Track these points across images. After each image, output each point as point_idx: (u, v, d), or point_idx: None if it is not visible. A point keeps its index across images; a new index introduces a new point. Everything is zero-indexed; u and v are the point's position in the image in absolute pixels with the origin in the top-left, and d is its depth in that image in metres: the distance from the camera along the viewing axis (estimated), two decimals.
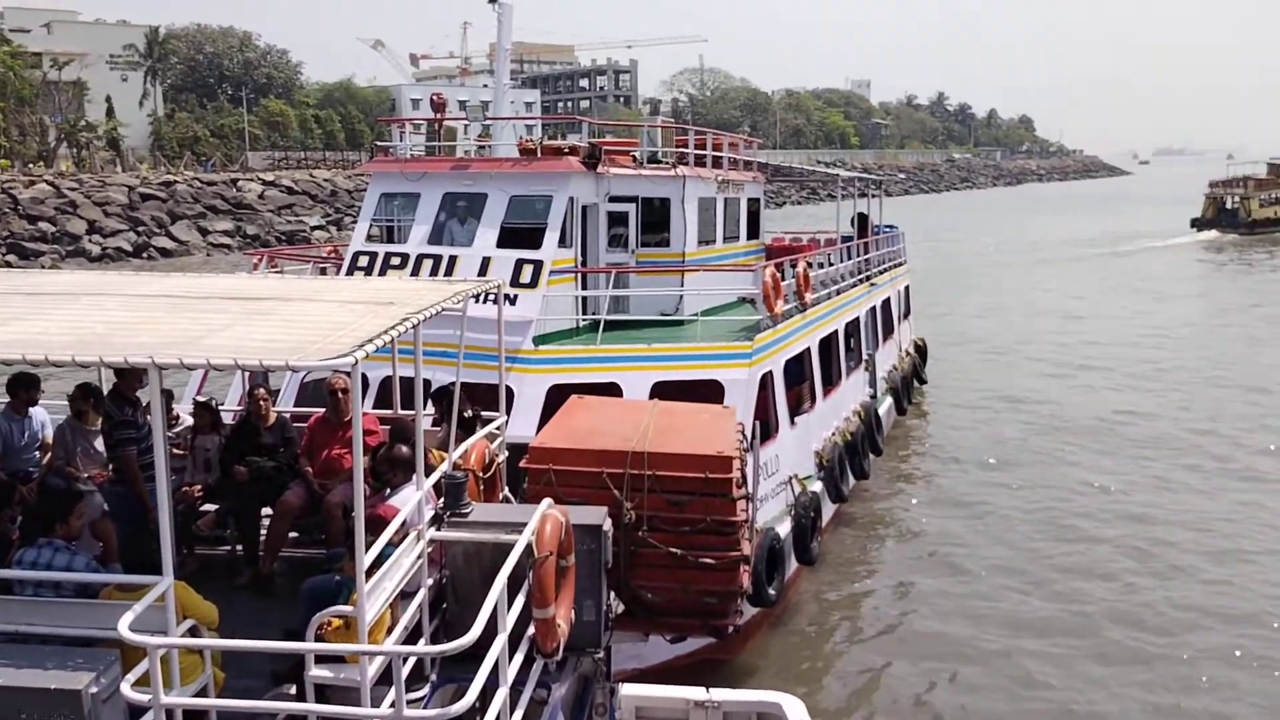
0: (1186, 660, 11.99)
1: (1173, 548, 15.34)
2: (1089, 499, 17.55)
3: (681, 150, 17.65)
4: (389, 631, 6.03)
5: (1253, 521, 16.66)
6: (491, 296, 9.33)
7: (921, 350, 25.79)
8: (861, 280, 20.31)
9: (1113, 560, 14.94)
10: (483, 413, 9.77)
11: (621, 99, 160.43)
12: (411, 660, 5.80)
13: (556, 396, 11.84)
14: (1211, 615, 13.14)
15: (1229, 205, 71.82)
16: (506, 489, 9.83)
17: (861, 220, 23.44)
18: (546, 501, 7.11)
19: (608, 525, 7.97)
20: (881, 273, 22.30)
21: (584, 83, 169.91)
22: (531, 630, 6.61)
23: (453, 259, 14.15)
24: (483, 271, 13.71)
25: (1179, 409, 23.49)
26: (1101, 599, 13.66)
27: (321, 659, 5.73)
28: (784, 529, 12.93)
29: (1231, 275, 52.32)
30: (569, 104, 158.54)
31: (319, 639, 5.81)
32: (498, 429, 9.61)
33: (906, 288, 25.67)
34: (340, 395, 9.23)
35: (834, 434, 16.16)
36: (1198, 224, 71.73)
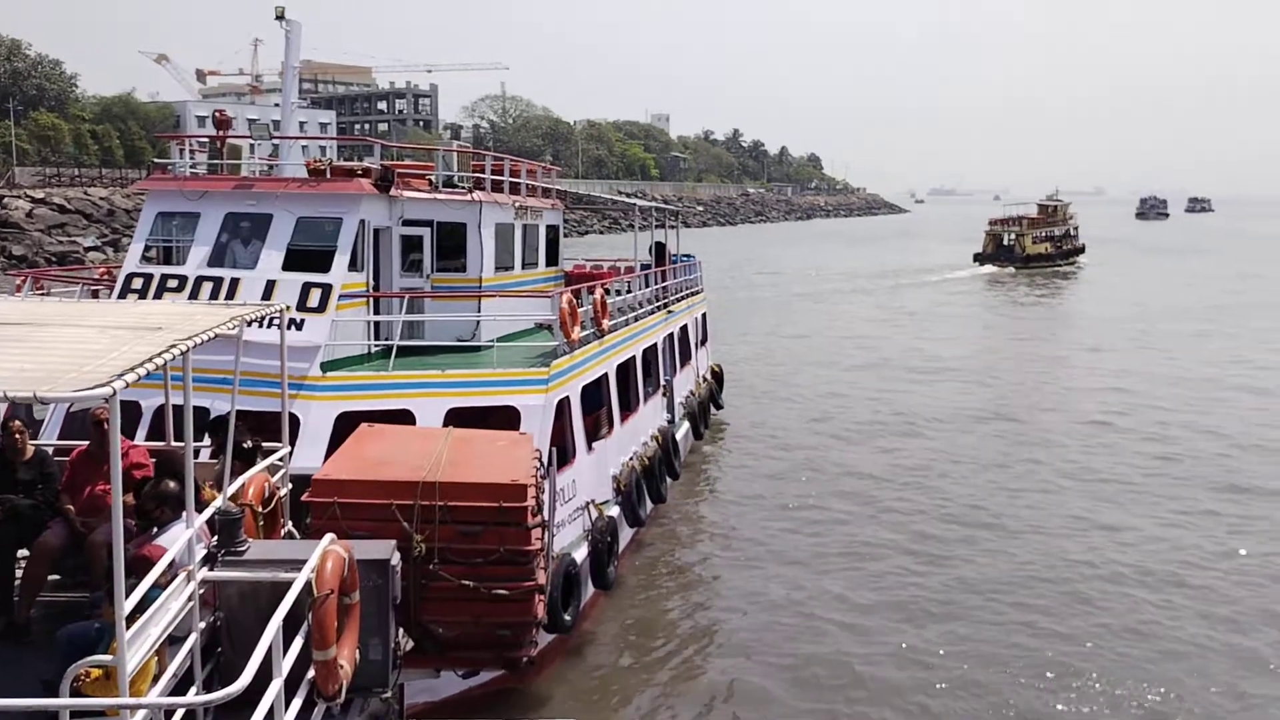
0: (959, 656, 12.64)
1: (960, 559, 16.19)
2: (880, 516, 18.31)
3: (478, 175, 17.53)
4: (155, 681, 5.61)
5: (1017, 503, 18.69)
6: (275, 321, 8.94)
7: (718, 376, 26.42)
8: (659, 308, 20.63)
9: (903, 572, 15.61)
10: (265, 443, 9.31)
11: (421, 123, 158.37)
12: (180, 712, 5.41)
13: (345, 425, 11.43)
14: (984, 594, 13.95)
15: (1006, 242, 77.75)
16: (290, 524, 9.40)
17: (659, 249, 23.93)
18: (329, 537, 6.81)
19: (396, 559, 7.70)
20: (679, 300, 22.74)
21: (382, 105, 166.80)
22: (312, 673, 6.28)
23: (235, 282, 13.49)
24: (267, 295, 13.12)
25: (964, 430, 24.96)
26: (894, 609, 14.23)
27: (78, 715, 5.26)
28: (580, 555, 12.90)
29: (1007, 304, 56.60)
30: (366, 126, 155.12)
31: (75, 692, 5.34)
32: (280, 460, 9.18)
33: (704, 315, 26.27)
34: (105, 427, 8.61)
35: (632, 459, 16.28)
36: (980, 258, 77.06)
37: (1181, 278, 71.52)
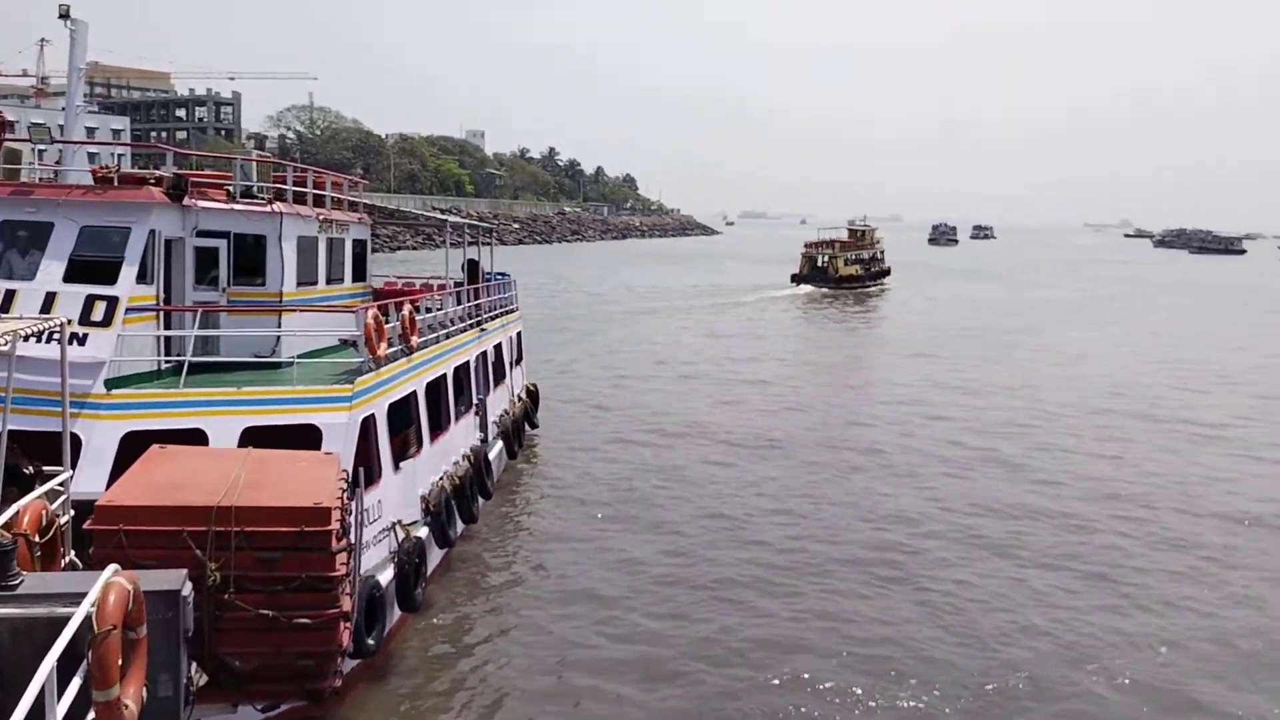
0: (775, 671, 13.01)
1: (773, 568, 16.64)
2: (691, 532, 18.59)
3: (279, 186, 16.91)
4: None
5: (821, 508, 19.28)
6: (55, 336, 8.38)
7: (534, 395, 26.35)
8: (471, 326, 20.43)
9: (715, 585, 15.92)
10: (45, 467, 8.70)
11: (224, 132, 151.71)
12: None
13: (132, 446, 10.80)
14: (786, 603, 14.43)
15: (820, 263, 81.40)
16: (73, 555, 8.80)
17: (472, 266, 23.70)
18: (112, 568, 6.39)
19: (188, 589, 7.31)
20: (493, 319, 22.58)
21: (181, 113, 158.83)
22: (93, 715, 5.88)
23: (10, 294, 12.56)
24: (46, 308, 12.27)
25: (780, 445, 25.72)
26: (703, 623, 14.49)
27: None
28: (386, 577, 12.58)
29: (821, 322, 59.04)
30: (164, 134, 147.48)
31: None
32: (61, 485, 8.59)
33: (519, 334, 26.17)
34: None
35: (442, 479, 16.03)
36: (796, 279, 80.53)
37: (972, 298, 76.97)
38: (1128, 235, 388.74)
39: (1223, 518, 20.27)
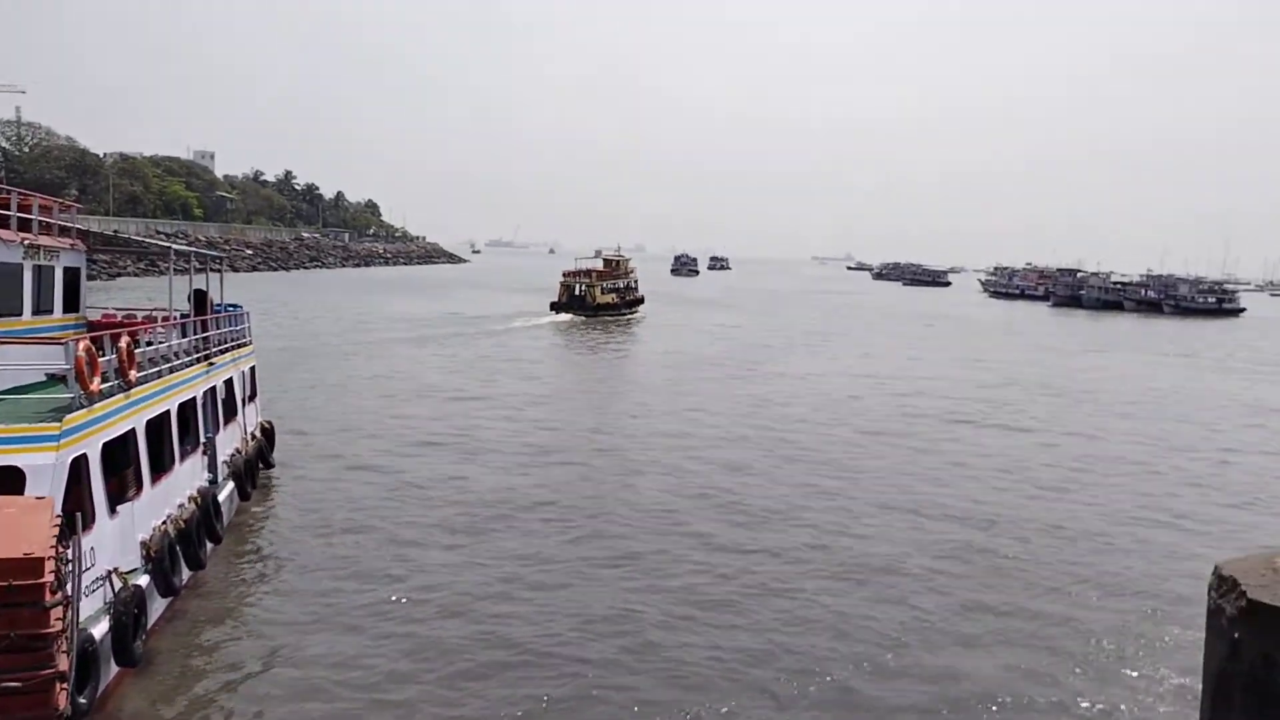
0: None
1: (509, 600, 16.66)
2: (434, 568, 18.29)
3: None
4: None
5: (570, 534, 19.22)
6: None
7: (269, 433, 25.22)
8: (199, 360, 19.39)
9: (446, 615, 15.76)
10: None
11: None
12: None
13: None
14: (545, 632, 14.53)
15: (578, 291, 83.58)
16: None
17: (199, 296, 22.48)
18: None
19: None
20: (222, 352, 21.52)
21: None
22: None
23: None
24: None
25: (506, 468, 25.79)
26: (445, 660, 14.32)
27: None
28: (100, 630, 11.71)
29: (577, 346, 60.03)
30: None
31: None
32: None
33: (252, 369, 25.00)
34: None
35: (165, 523, 15.10)
36: (555, 307, 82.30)
37: (717, 324, 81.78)
38: (850, 268, 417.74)
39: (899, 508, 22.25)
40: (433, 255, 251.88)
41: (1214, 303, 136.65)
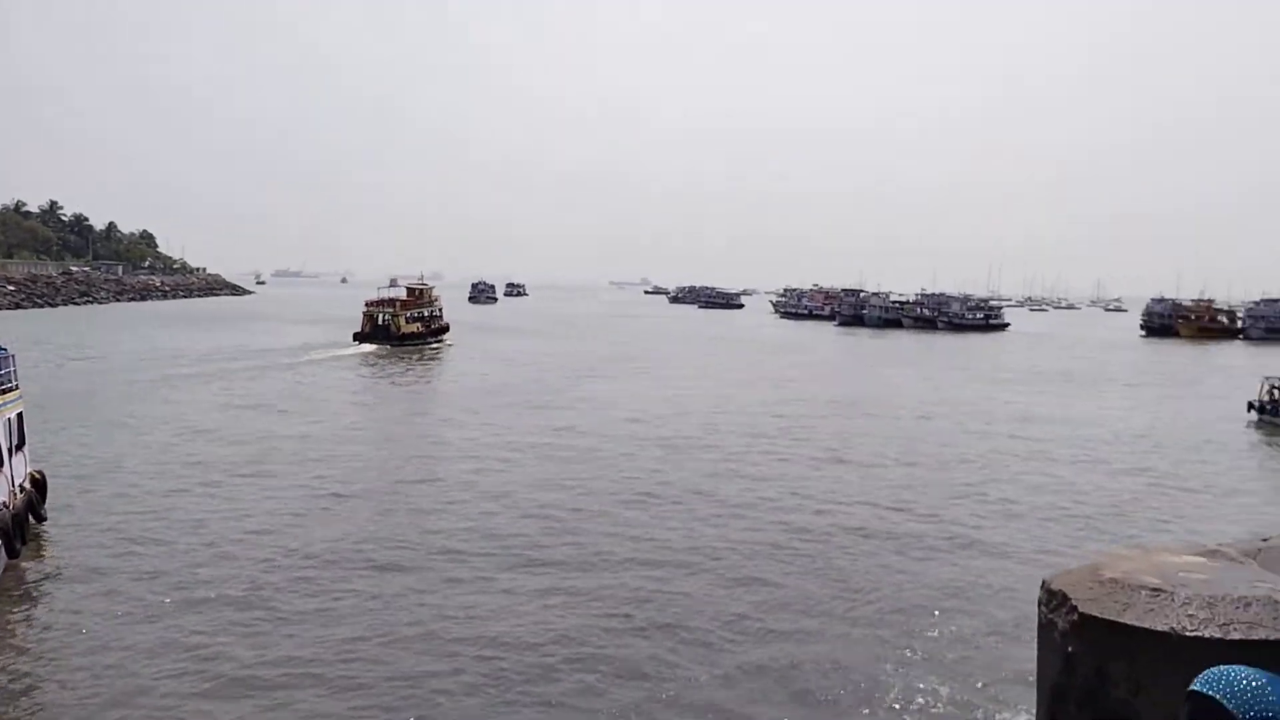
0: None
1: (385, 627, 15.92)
2: (219, 618, 17.31)
3: None
4: None
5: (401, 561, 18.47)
6: None
7: (40, 484, 23.25)
8: None
9: (248, 672, 14.95)
10: None
11: None
12: None
13: None
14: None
15: (381, 321, 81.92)
16: None
17: None
18: None
19: None
20: None
21: None
22: None
23: None
24: None
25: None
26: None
27: None
28: None
29: (380, 380, 57.41)
30: None
31: None
32: None
33: (19, 415, 23.04)
34: None
35: None
36: (359, 337, 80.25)
37: (520, 351, 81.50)
38: (647, 291, 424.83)
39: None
40: (214, 287, 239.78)
41: (982, 318, 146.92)
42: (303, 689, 14.63)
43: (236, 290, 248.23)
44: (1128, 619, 3.69)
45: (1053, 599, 4.06)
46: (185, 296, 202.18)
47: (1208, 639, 3.70)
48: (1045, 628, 4.10)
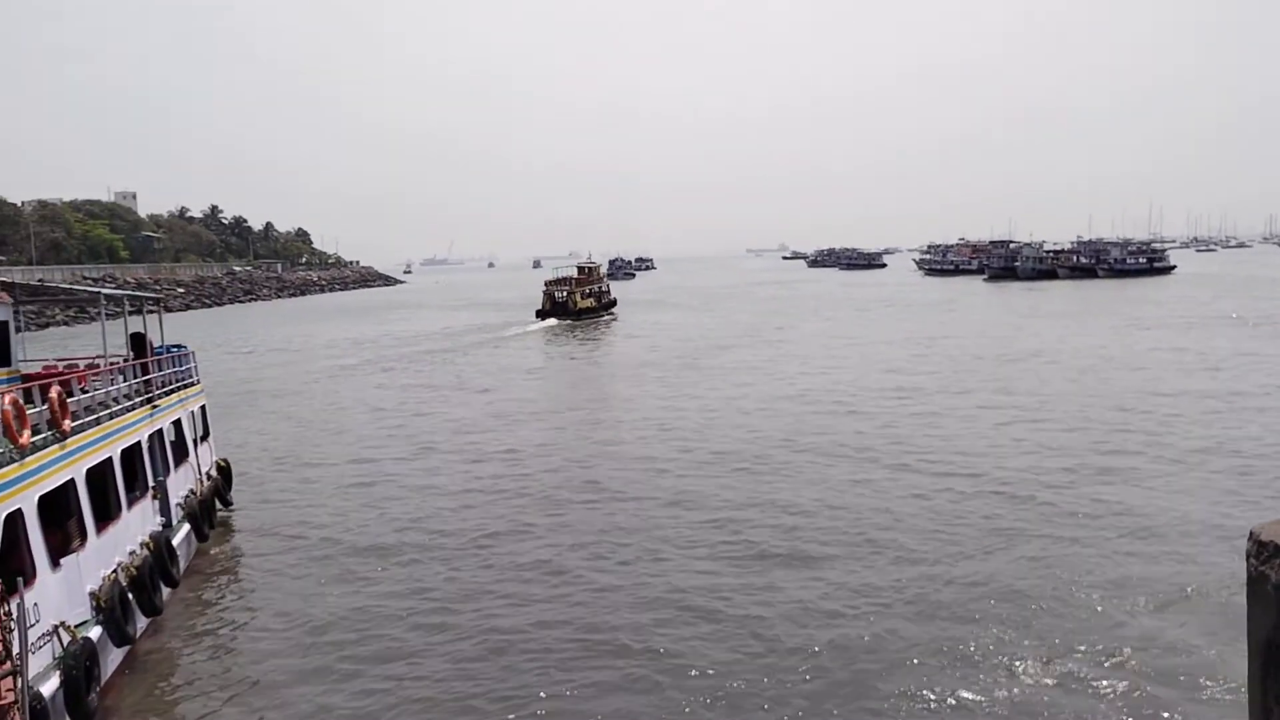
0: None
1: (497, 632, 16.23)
2: (400, 606, 17.41)
3: None
4: None
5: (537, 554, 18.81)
6: None
7: (225, 471, 24.42)
8: (142, 403, 18.71)
9: (419, 656, 15.30)
10: None
11: None
12: None
13: None
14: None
15: (559, 298, 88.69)
16: None
17: (137, 339, 21.67)
18: None
19: None
20: (167, 394, 20.80)
21: None
22: None
23: None
24: None
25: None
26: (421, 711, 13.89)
27: None
28: (49, 687, 11.17)
29: (568, 350, 59.59)
30: None
31: None
32: None
33: (203, 408, 24.26)
34: None
35: (116, 571, 14.52)
36: (541, 314, 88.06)
37: (684, 323, 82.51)
38: (785, 257, 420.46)
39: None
40: (369, 279, 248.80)
41: (1145, 263, 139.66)
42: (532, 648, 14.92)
43: (389, 280, 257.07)
44: None
45: (1263, 550, 3.64)
46: (341, 289, 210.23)
47: None
48: (1256, 580, 3.68)
